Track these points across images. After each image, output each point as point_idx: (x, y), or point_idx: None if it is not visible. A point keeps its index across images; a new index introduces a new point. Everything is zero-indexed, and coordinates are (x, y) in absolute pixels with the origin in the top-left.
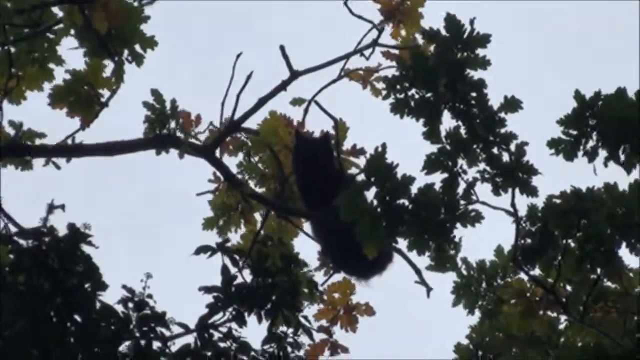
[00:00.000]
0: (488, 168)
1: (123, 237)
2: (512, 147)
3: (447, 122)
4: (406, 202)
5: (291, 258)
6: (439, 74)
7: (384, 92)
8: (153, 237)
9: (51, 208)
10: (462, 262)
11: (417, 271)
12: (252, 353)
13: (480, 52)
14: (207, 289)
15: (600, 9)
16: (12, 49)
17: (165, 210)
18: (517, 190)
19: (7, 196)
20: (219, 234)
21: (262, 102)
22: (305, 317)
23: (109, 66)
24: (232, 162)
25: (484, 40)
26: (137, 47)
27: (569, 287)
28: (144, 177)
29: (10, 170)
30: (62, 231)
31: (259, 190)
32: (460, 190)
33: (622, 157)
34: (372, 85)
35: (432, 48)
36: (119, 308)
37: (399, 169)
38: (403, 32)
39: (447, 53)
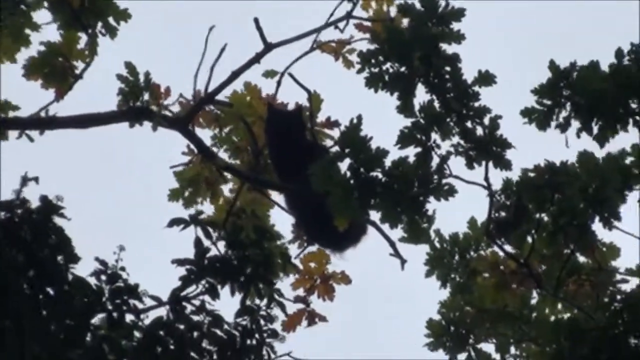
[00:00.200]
0: (462, 142)
1: (96, 210)
2: (486, 120)
3: (421, 96)
4: (380, 175)
5: (265, 230)
6: (414, 47)
7: (357, 65)
8: (126, 209)
9: (25, 180)
10: (435, 234)
11: (392, 244)
12: (225, 326)
13: (455, 26)
14: (180, 262)
15: None
16: None
17: (139, 182)
18: (490, 164)
19: None
20: (185, 205)
21: (235, 74)
22: (279, 290)
23: (83, 38)
24: (205, 135)
25: (459, 14)
26: (111, 20)
27: (543, 266)
28: (118, 150)
29: None
30: (35, 204)
31: (233, 162)
32: (434, 164)
33: (595, 130)
34: (344, 58)
35: (405, 21)
36: (92, 281)
37: (373, 142)
38: (374, 4)
39: (421, 27)
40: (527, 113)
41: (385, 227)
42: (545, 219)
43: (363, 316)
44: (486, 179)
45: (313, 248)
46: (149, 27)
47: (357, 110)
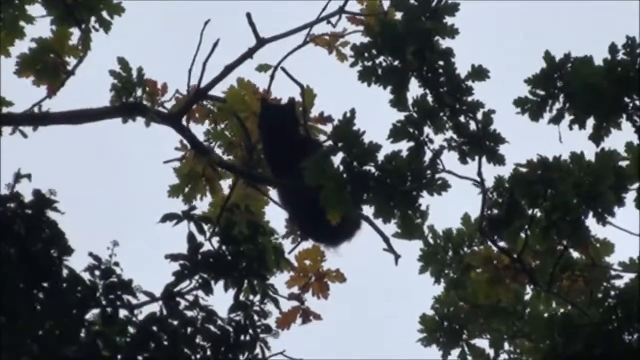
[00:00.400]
0: (455, 136)
1: (90, 206)
2: (479, 115)
3: (415, 90)
4: (372, 169)
5: (258, 226)
6: (407, 41)
7: (350, 58)
8: (120, 204)
9: (18, 177)
10: (429, 230)
11: (385, 239)
12: (219, 321)
13: (449, 20)
14: (173, 257)
15: None
16: None
17: (132, 178)
18: (484, 159)
19: None
20: (185, 201)
21: (228, 69)
22: (272, 286)
23: (75, 34)
24: (199, 130)
25: (453, 8)
26: (104, 14)
27: (536, 260)
28: (111, 145)
29: None
30: (29, 198)
31: (227, 157)
32: (427, 158)
33: (589, 128)
34: (337, 51)
35: (399, 15)
36: (86, 276)
37: (366, 136)
38: None
39: (415, 21)
40: (520, 103)
41: (379, 222)
42: (539, 214)
43: (357, 313)
44: (479, 173)
45: (307, 243)
46: (141, 21)
47: (351, 104)
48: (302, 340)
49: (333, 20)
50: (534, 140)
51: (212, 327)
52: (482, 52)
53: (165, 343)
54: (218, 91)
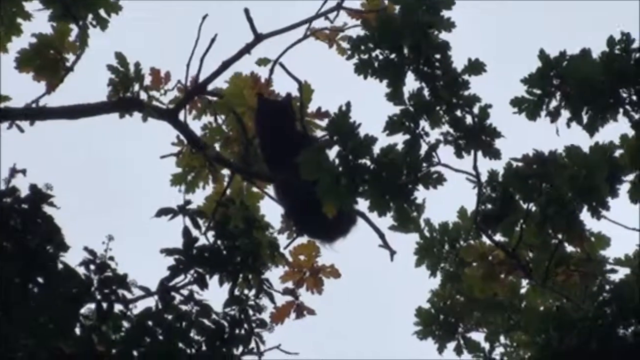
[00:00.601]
0: (451, 130)
1: (85, 200)
2: (476, 109)
3: (411, 83)
4: (368, 162)
5: (254, 220)
6: (404, 35)
7: (349, 52)
8: (115, 199)
9: (13, 172)
10: (425, 223)
11: (381, 235)
12: (214, 316)
13: (445, 14)
14: (168, 251)
15: None
16: None
17: (128, 173)
18: (479, 153)
19: None
20: (187, 190)
21: (225, 65)
22: (267, 280)
23: (74, 30)
24: (196, 125)
25: (449, 2)
26: (102, 12)
27: (531, 254)
28: (107, 140)
29: None
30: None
31: (223, 152)
32: (423, 152)
33: (585, 119)
34: (338, 45)
35: (397, 9)
36: (81, 270)
37: (362, 130)
38: None
39: (412, 14)
40: (517, 103)
41: (374, 217)
42: (534, 209)
43: (353, 307)
44: (475, 167)
45: (302, 239)
46: (139, 16)
47: (350, 98)
48: (298, 334)
49: (331, 16)
50: (531, 134)
51: (206, 322)
52: (478, 46)
53: (160, 337)
54: (216, 86)
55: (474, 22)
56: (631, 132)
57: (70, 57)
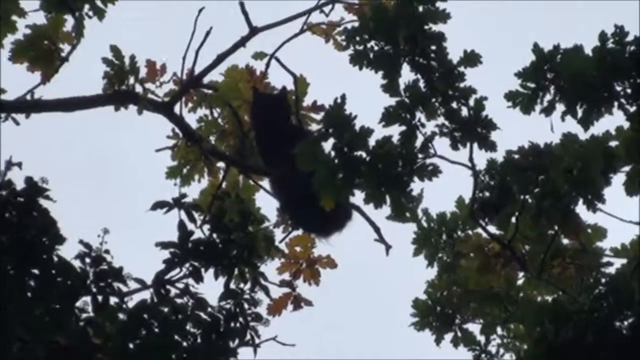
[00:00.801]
0: (447, 122)
1: (81, 193)
2: (471, 101)
3: (407, 75)
4: (364, 154)
5: (249, 214)
6: (399, 26)
7: (344, 44)
8: (111, 192)
9: (9, 165)
10: (423, 213)
11: (376, 229)
12: (209, 309)
13: (441, 5)
14: (164, 245)
15: None
16: None
17: (124, 165)
18: (475, 145)
19: None
20: (183, 183)
21: (220, 58)
22: (263, 274)
23: (69, 21)
24: (192, 118)
25: None
26: (98, 2)
27: (526, 247)
28: (103, 133)
29: None
30: (21, 186)
31: (219, 145)
32: (419, 144)
33: (580, 113)
34: (334, 39)
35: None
36: (76, 263)
37: (358, 122)
38: None
39: (407, 6)
40: (511, 97)
41: (370, 209)
42: (530, 201)
43: (349, 298)
44: (471, 159)
45: (298, 232)
46: (134, 9)
47: (346, 92)
48: (295, 326)
49: (326, 9)
50: (526, 126)
51: (202, 315)
52: (474, 37)
53: (156, 330)
54: (212, 79)
55: (470, 14)
56: (627, 125)
57: (65, 47)
